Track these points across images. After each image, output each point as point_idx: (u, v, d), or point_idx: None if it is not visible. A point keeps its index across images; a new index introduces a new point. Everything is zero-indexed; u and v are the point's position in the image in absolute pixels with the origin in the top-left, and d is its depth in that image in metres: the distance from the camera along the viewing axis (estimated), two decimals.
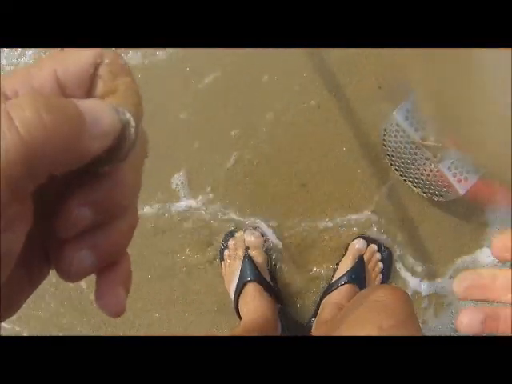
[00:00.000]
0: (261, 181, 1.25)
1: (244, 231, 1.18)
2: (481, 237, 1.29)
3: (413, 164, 1.22)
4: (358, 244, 1.18)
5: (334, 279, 1.19)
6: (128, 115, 0.19)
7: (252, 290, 1.08)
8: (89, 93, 0.20)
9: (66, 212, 0.18)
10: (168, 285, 1.25)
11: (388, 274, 1.23)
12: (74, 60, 0.20)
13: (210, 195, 1.25)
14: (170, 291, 1.25)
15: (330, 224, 1.26)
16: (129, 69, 0.21)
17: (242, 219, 1.24)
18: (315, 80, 1.26)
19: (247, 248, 1.16)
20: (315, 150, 1.27)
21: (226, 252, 1.20)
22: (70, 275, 0.20)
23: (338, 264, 1.22)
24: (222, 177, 1.25)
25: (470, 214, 1.30)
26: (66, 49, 0.21)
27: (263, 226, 1.24)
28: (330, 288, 1.17)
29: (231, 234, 1.21)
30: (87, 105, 0.18)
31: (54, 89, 0.19)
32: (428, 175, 1.23)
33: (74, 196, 0.19)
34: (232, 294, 1.13)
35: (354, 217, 1.26)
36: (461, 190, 1.18)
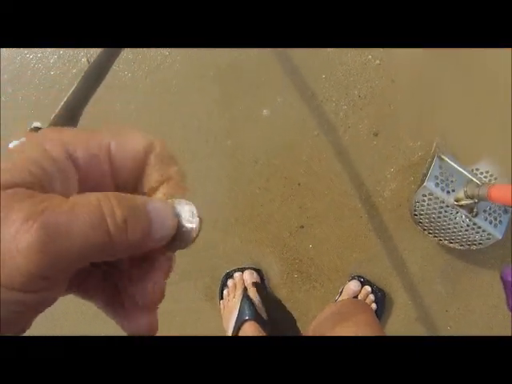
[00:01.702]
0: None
1: (243, 271, 1.24)
2: None
3: (449, 225, 1.24)
4: (353, 285, 1.25)
5: None
6: (198, 221, 0.21)
7: (250, 328, 1.11)
8: (138, 178, 0.21)
9: (150, 293, 0.21)
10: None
11: (381, 314, 1.29)
12: (130, 142, 0.20)
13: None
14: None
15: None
16: (175, 157, 0.22)
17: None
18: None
19: (246, 288, 1.21)
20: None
21: (225, 291, 1.26)
22: (134, 331, 0.23)
23: None
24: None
25: None
26: (122, 129, 0.21)
27: (263, 267, 1.28)
28: None
29: (230, 274, 1.27)
30: (154, 207, 0.19)
31: (106, 165, 0.20)
32: (466, 230, 1.25)
33: (151, 278, 0.21)
34: (230, 332, 1.16)
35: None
36: (499, 233, 1.22)
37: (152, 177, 0.21)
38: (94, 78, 0.63)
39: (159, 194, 0.21)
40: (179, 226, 0.20)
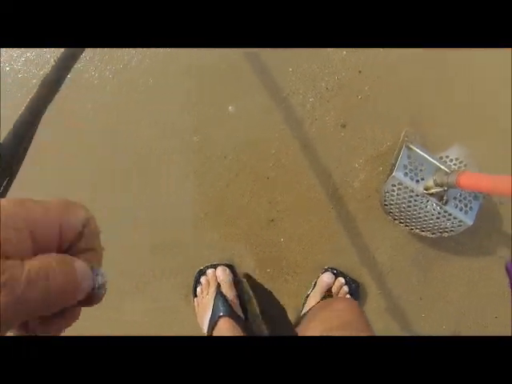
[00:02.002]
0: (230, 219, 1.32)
1: (216, 268, 1.25)
2: None
3: (419, 213, 1.25)
4: (326, 277, 1.26)
5: (303, 312, 1.25)
6: (105, 278, 0.28)
7: (225, 324, 1.12)
8: (73, 244, 0.28)
9: (51, 332, 0.28)
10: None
11: None
12: (74, 219, 0.27)
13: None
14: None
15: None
16: (100, 234, 0.30)
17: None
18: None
19: (219, 284, 1.22)
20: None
21: (199, 288, 1.27)
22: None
23: (307, 297, 1.27)
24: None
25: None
26: (70, 205, 0.27)
27: (235, 262, 1.29)
28: (299, 321, 1.23)
29: (203, 271, 1.28)
30: (79, 266, 0.26)
31: (55, 236, 0.26)
32: (437, 218, 1.25)
33: (57, 323, 0.28)
34: (205, 329, 1.17)
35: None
36: (469, 220, 1.24)
37: (81, 244, 0.28)
38: (54, 80, 0.63)
39: (83, 259, 0.27)
40: (93, 287, 0.27)
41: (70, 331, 0.29)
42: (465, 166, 1.34)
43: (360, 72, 1.31)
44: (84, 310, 0.30)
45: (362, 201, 1.30)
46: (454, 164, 1.34)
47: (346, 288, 1.27)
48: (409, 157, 1.23)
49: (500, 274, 1.32)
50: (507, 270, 1.05)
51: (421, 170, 1.23)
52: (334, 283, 1.27)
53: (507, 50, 1.36)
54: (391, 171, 1.24)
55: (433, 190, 1.21)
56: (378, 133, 1.31)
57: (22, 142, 0.53)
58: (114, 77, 1.33)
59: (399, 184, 1.22)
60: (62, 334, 0.29)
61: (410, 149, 1.23)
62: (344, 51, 1.32)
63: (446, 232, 1.28)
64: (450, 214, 1.25)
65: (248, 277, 1.32)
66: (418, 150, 1.22)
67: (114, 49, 1.34)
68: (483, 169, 1.27)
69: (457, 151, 1.35)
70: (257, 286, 1.32)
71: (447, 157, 1.34)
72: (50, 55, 1.35)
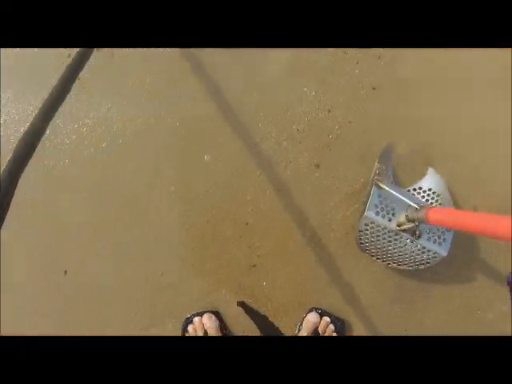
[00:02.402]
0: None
1: (202, 316, 1.27)
2: None
3: (394, 249, 1.28)
4: (312, 317, 1.27)
5: None
6: None
7: None
8: None
9: None
10: None
11: None
12: None
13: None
14: None
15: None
16: None
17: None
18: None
19: (206, 332, 1.24)
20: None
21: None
22: None
23: None
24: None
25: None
26: None
27: (221, 309, 1.32)
28: None
29: (190, 320, 1.29)
30: None
31: None
32: (412, 252, 1.29)
33: None
34: None
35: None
36: (444, 251, 1.27)
37: None
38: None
39: None
40: None
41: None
42: (437, 195, 1.37)
43: (329, 111, 1.34)
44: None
45: (340, 239, 1.32)
46: (428, 195, 1.37)
47: (332, 326, 1.29)
48: (379, 195, 1.26)
49: (478, 300, 1.36)
50: (509, 283, 1.07)
51: (392, 208, 1.26)
52: (320, 322, 1.29)
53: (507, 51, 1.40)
54: (363, 211, 1.26)
55: (405, 226, 1.24)
56: (351, 170, 1.33)
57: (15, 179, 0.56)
58: (92, 131, 1.34)
59: (372, 223, 1.25)
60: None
61: (379, 187, 1.26)
62: (313, 92, 1.34)
63: (423, 264, 1.31)
64: (424, 248, 1.28)
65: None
66: (387, 188, 1.25)
67: (91, 101, 1.35)
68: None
69: (429, 181, 1.38)
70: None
71: (420, 188, 1.38)
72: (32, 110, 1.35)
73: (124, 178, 1.32)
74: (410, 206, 1.24)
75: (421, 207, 1.19)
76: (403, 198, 1.24)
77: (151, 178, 1.31)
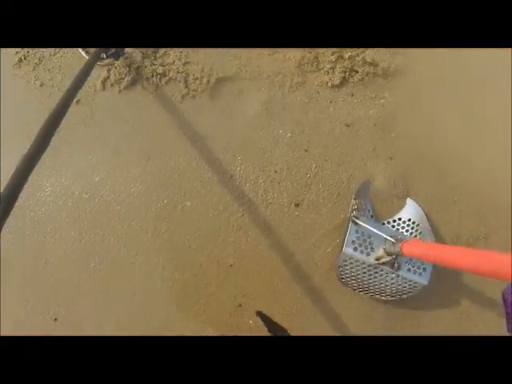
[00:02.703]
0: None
1: None
2: None
3: (375, 282, 1.32)
4: None
5: None
6: None
7: None
8: None
9: None
10: None
11: None
12: None
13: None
14: None
15: None
16: None
17: None
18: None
19: None
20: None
21: None
22: None
23: None
24: None
25: None
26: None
27: None
28: None
29: None
30: None
31: None
32: (392, 283, 1.33)
33: None
34: None
35: None
36: (424, 280, 1.32)
37: None
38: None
39: None
40: None
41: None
42: (417, 225, 1.41)
43: (306, 151, 1.37)
44: None
45: (323, 274, 1.37)
46: (408, 225, 1.41)
47: None
48: (356, 231, 1.30)
49: (467, 323, 1.40)
50: (504, 299, 1.09)
51: (370, 242, 1.31)
52: None
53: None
54: (341, 247, 1.30)
55: (383, 260, 1.28)
56: (330, 207, 1.37)
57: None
58: (74, 182, 1.37)
59: (350, 259, 1.29)
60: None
61: (356, 223, 1.30)
62: (289, 133, 1.38)
63: (405, 294, 1.36)
64: (404, 278, 1.33)
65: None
66: (364, 224, 1.29)
67: (73, 153, 1.38)
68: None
69: (408, 211, 1.42)
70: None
71: (400, 219, 1.42)
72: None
73: (107, 228, 1.36)
74: (387, 239, 1.28)
75: (397, 241, 1.24)
76: (379, 233, 1.28)
77: (134, 225, 1.35)
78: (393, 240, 1.25)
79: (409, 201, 1.43)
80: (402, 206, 1.42)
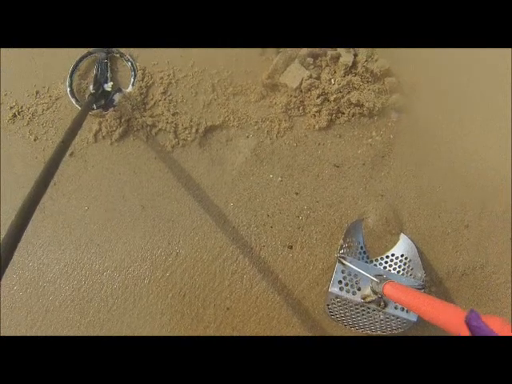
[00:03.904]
0: None
1: None
2: None
3: (364, 319, 1.36)
4: None
5: None
6: None
7: None
8: None
9: None
10: None
11: None
12: None
13: None
14: None
15: None
16: None
17: None
18: None
19: None
20: None
21: None
22: None
23: None
24: None
25: None
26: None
27: None
28: None
29: None
30: None
31: None
32: (381, 320, 1.37)
33: None
34: None
35: None
36: (413, 317, 1.35)
37: None
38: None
39: None
40: None
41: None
42: (409, 261, 1.44)
43: (297, 194, 1.41)
44: None
45: (321, 313, 1.39)
46: (400, 261, 1.44)
47: None
48: (343, 271, 1.34)
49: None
50: (470, 328, 1.12)
51: (356, 282, 1.35)
52: None
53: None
54: (328, 286, 1.34)
55: (369, 299, 1.32)
56: (324, 246, 1.41)
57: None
58: (70, 232, 1.41)
59: (337, 297, 1.33)
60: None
61: (342, 264, 1.33)
62: (279, 177, 1.41)
63: (395, 330, 1.37)
64: (392, 315, 1.36)
65: None
66: (349, 265, 1.33)
67: (69, 204, 1.42)
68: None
69: (401, 247, 1.45)
70: None
71: (393, 255, 1.45)
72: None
73: (104, 276, 1.39)
74: (372, 279, 1.32)
75: (381, 281, 1.27)
76: (364, 273, 1.32)
77: (130, 272, 1.39)
78: (377, 280, 1.28)
79: (402, 236, 1.47)
80: (395, 242, 1.45)
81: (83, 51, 1.47)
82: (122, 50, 1.48)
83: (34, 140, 1.45)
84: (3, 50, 1.55)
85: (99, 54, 1.44)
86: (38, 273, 1.41)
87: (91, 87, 1.40)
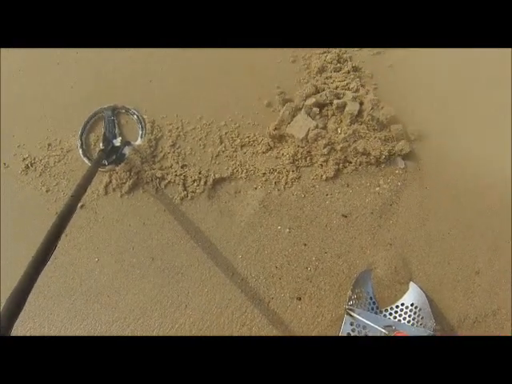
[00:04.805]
0: None
1: None
2: None
3: None
4: None
5: None
6: None
7: None
8: None
9: None
10: None
11: None
12: None
13: None
14: None
15: None
16: None
17: None
18: None
19: None
20: None
21: None
22: None
23: None
24: None
25: None
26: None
27: None
28: None
29: None
30: None
31: None
32: None
33: None
34: None
35: None
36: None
37: None
38: None
39: None
40: None
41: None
42: (419, 310, 1.43)
43: (305, 245, 1.42)
44: None
45: None
46: (410, 310, 1.44)
47: None
48: (351, 324, 1.35)
49: None
50: None
51: (365, 334, 1.34)
52: None
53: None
54: None
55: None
56: (333, 297, 1.41)
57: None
58: (81, 282, 1.43)
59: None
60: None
61: (351, 316, 1.33)
62: (287, 229, 1.42)
63: None
64: None
65: None
66: (358, 316, 1.32)
67: (79, 255, 1.44)
68: None
69: (411, 296, 1.45)
70: None
71: (403, 304, 1.44)
72: None
73: (113, 327, 1.41)
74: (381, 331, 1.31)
75: (389, 332, 1.27)
76: (373, 325, 1.31)
77: (140, 323, 1.41)
78: (386, 332, 1.28)
79: (412, 285, 1.46)
80: (404, 291, 1.44)
81: (90, 110, 1.52)
82: (128, 105, 1.52)
83: (46, 191, 1.49)
84: (17, 101, 1.60)
85: (105, 112, 1.49)
86: (48, 322, 1.43)
87: (101, 144, 1.44)
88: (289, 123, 1.47)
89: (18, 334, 1.44)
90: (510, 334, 1.46)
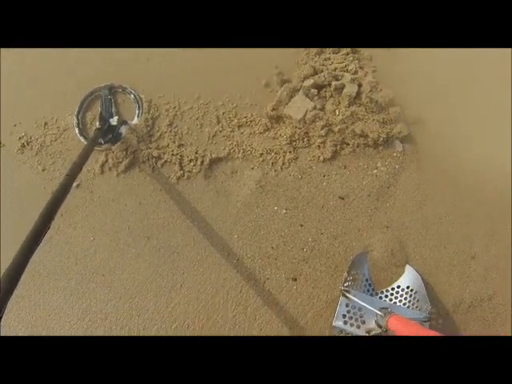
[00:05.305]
0: None
1: None
2: None
3: None
4: None
5: None
6: None
7: None
8: None
9: None
10: None
11: None
12: None
13: None
14: None
15: None
16: None
17: None
18: None
19: None
20: None
21: None
22: None
23: None
24: None
25: None
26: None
27: None
28: None
29: None
30: None
31: None
32: None
33: None
34: None
35: None
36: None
37: None
38: None
39: None
40: None
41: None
42: (415, 293, 1.44)
43: (302, 226, 1.42)
44: None
45: None
46: (406, 293, 1.44)
47: None
48: (347, 305, 1.35)
49: None
50: None
51: (361, 315, 1.36)
52: None
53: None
54: (332, 320, 1.34)
55: (373, 333, 1.32)
56: (328, 279, 1.41)
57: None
58: (76, 262, 1.43)
59: (340, 332, 1.33)
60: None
61: (347, 298, 1.33)
62: (284, 209, 1.42)
63: None
64: None
65: None
66: (354, 298, 1.33)
67: (75, 233, 1.44)
68: None
69: (407, 278, 1.45)
70: None
71: (398, 287, 1.45)
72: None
73: (109, 306, 1.41)
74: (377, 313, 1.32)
75: (385, 314, 1.27)
76: (368, 307, 1.32)
77: (135, 302, 1.41)
78: (381, 313, 1.28)
79: (408, 268, 1.46)
80: (401, 274, 1.44)
81: (87, 88, 1.51)
82: (124, 84, 1.52)
83: (42, 170, 1.49)
84: (14, 81, 1.59)
85: (102, 91, 1.48)
86: (43, 301, 1.43)
87: (97, 123, 1.43)
88: (287, 104, 1.46)
89: (14, 313, 1.44)
90: (510, 334, 1.48)
